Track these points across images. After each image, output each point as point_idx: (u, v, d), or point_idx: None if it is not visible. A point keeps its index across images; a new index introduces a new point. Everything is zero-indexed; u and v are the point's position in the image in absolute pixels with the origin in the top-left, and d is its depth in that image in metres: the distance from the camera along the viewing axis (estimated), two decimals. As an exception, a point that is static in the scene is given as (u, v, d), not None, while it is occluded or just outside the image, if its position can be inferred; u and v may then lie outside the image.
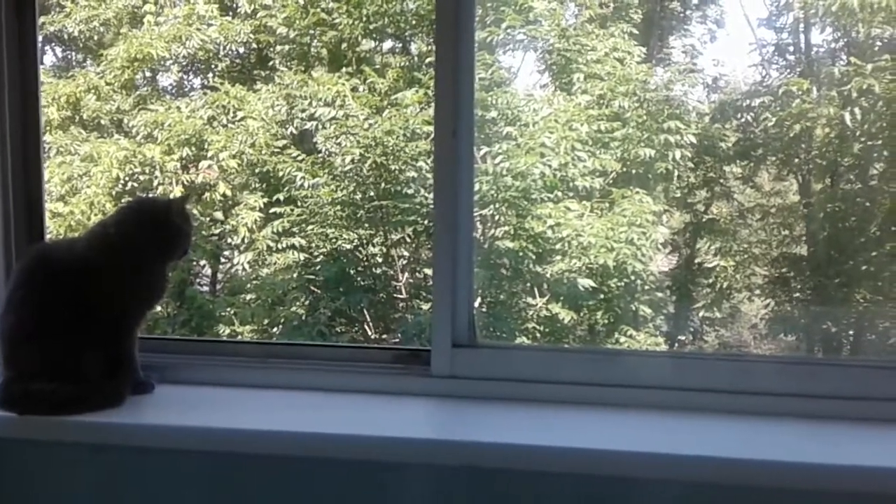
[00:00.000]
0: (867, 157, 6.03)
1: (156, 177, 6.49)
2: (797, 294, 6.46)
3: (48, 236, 1.99)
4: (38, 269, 1.65)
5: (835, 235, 6.27)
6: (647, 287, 6.15)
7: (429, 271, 6.26)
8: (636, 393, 1.67)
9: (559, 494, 1.51)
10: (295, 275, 6.44)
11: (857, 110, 5.77)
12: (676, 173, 6.24)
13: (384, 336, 6.53)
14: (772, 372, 1.69)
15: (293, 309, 6.45)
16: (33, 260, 1.68)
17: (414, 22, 6.84)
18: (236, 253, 6.73)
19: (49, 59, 7.79)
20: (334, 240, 6.36)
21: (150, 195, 6.19)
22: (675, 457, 1.44)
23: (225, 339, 5.96)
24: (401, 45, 7.17)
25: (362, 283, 6.52)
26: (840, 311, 6.09)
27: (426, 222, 6.16)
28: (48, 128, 6.59)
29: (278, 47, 7.02)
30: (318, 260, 6.44)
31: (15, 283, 1.66)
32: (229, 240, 6.79)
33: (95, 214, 6.13)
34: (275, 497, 1.60)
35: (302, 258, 6.35)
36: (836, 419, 1.58)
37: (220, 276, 7.47)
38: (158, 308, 2.05)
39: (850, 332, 6.31)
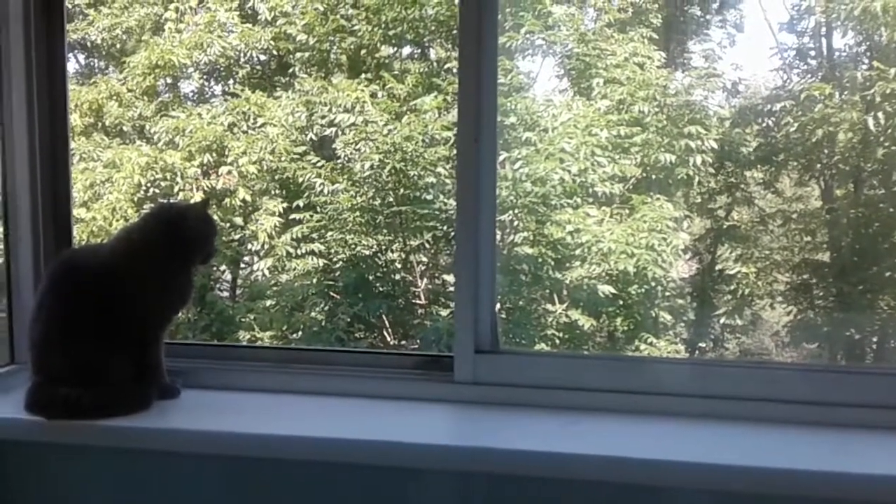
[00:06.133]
0: (891, 163, 5.97)
1: (177, 183, 6.55)
2: (820, 301, 6.39)
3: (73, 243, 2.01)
4: (65, 276, 1.67)
5: (858, 241, 6.21)
6: (667, 293, 6.11)
7: (448, 277, 6.26)
8: (658, 400, 1.66)
9: (581, 502, 1.51)
10: (314, 280, 6.47)
11: (880, 115, 5.72)
12: (697, 179, 6.20)
13: (403, 342, 6.53)
14: (794, 380, 1.67)
15: (312, 315, 6.48)
16: (60, 266, 1.70)
17: (433, 28, 6.86)
18: (256, 259, 6.77)
19: (72, 66, 7.90)
20: (353, 246, 6.38)
21: (173, 201, 6.23)
22: (696, 465, 1.42)
23: (246, 344, 5.98)
24: (420, 50, 7.19)
25: (381, 289, 6.53)
26: (863, 317, 6.03)
27: (445, 228, 6.16)
28: (71, 134, 6.66)
29: (298, 54, 7.06)
30: (338, 266, 6.47)
31: (42, 289, 1.68)
32: (249, 245, 6.83)
33: (118, 220, 6.19)
34: (297, 502, 1.61)
35: (321, 264, 6.38)
36: (860, 427, 1.55)
37: (239, 281, 7.52)
38: (181, 313, 2.06)
39: (874, 339, 6.23)
